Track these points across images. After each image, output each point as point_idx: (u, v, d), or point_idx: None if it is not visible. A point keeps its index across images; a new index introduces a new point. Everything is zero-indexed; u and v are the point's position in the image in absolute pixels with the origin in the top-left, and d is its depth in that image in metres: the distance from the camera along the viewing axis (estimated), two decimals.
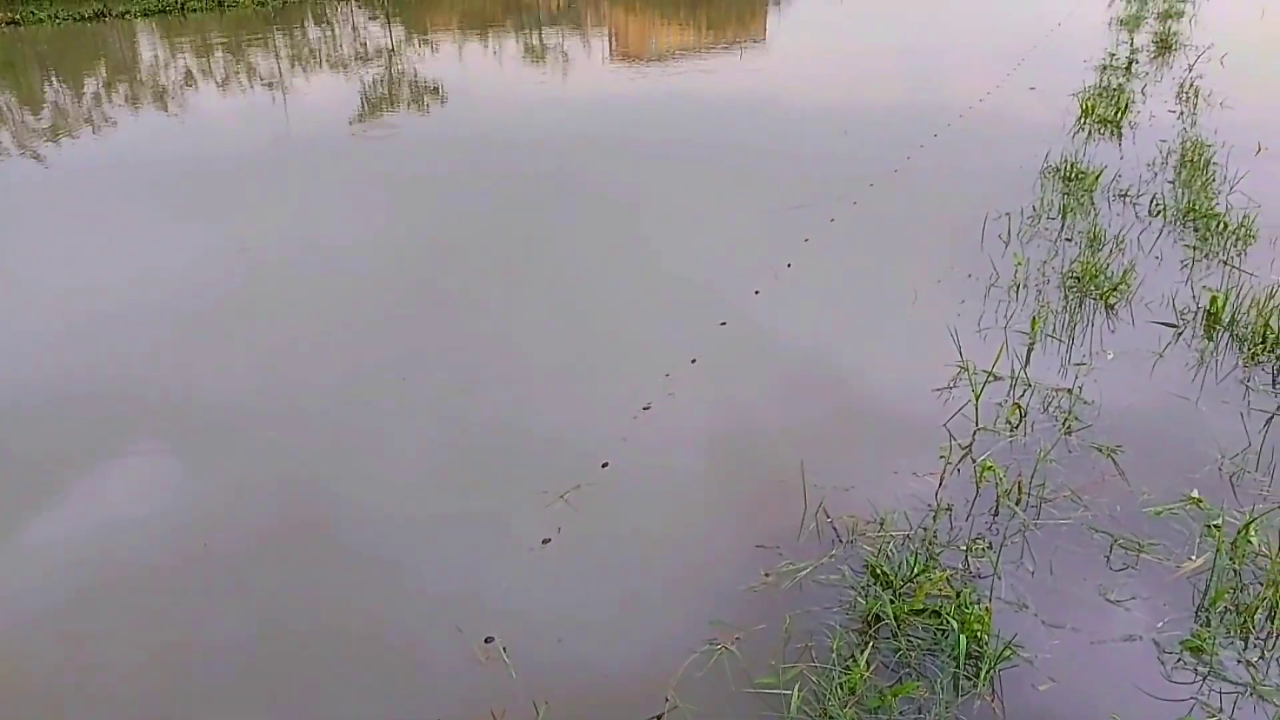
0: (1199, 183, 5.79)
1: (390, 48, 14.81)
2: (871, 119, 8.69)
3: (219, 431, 3.70)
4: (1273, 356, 3.75)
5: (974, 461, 3.16)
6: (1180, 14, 13.89)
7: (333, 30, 16.73)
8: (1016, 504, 2.93)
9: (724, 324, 4.36)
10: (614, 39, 17.00)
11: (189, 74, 12.45)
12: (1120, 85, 8.63)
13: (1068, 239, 5.08)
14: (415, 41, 15.51)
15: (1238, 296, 4.12)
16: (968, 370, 3.69)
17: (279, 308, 4.88)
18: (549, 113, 9.78)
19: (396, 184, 7.16)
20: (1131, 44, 10.99)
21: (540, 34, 16.16)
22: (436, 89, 11.07)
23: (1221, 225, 5.08)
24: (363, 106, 10.33)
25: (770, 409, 3.66)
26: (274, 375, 4.16)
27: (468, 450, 3.50)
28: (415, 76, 12.04)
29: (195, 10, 19.02)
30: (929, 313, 4.34)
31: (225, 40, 15.89)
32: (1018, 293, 4.45)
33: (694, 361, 4.00)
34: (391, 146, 8.51)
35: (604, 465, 3.29)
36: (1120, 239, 4.99)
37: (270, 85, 11.47)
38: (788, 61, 13.14)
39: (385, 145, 8.54)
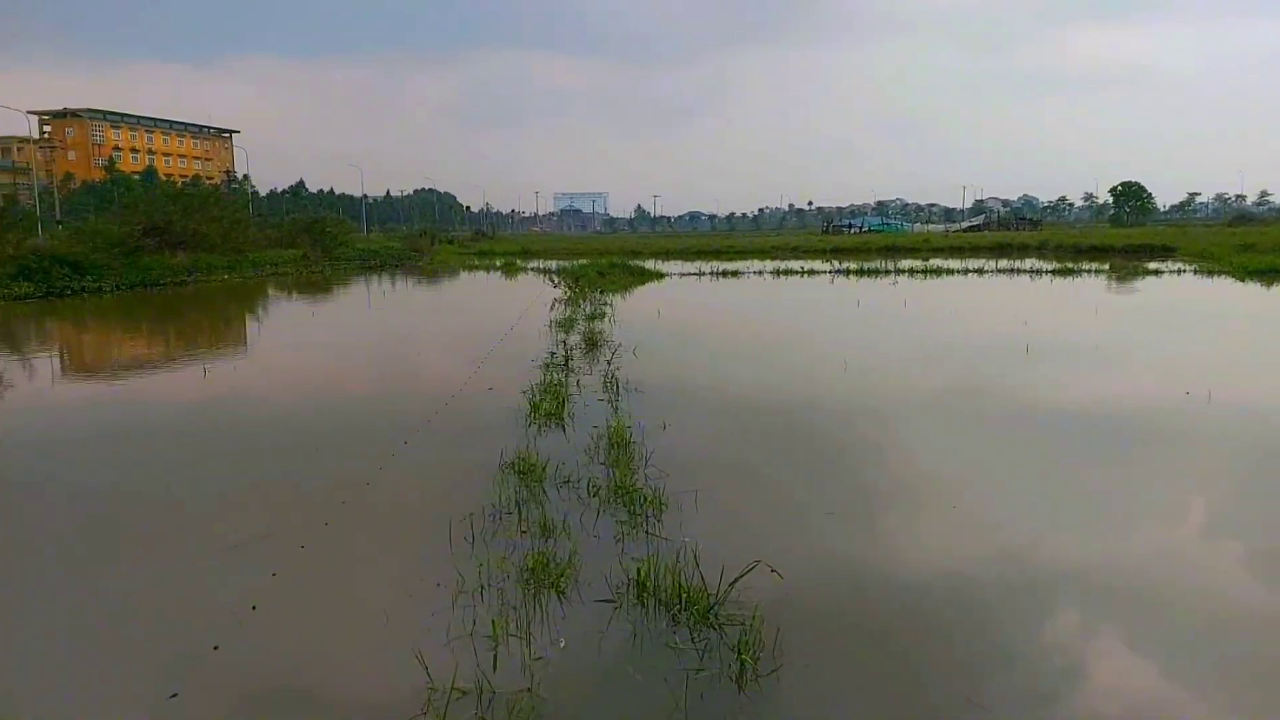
0: (623, 461, 6.89)
1: None
2: (346, 426, 8.91)
3: None
4: (688, 615, 4.43)
5: None
6: (604, 315, 17.08)
7: None
8: None
9: (175, 695, 3.84)
10: (65, 357, 15.36)
11: None
12: (561, 380, 10.13)
13: (524, 531, 5.59)
14: None
15: (658, 563, 4.85)
16: (433, 692, 3.71)
17: None
18: None
19: None
20: (567, 343, 13.10)
21: None
22: None
23: (643, 498, 6.05)
24: None
25: None
26: None
27: None
28: None
29: None
30: (401, 633, 4.34)
31: None
32: (482, 595, 4.70)
33: None
34: None
35: None
36: (565, 524, 5.64)
37: None
38: (264, 370, 13.04)
39: None
